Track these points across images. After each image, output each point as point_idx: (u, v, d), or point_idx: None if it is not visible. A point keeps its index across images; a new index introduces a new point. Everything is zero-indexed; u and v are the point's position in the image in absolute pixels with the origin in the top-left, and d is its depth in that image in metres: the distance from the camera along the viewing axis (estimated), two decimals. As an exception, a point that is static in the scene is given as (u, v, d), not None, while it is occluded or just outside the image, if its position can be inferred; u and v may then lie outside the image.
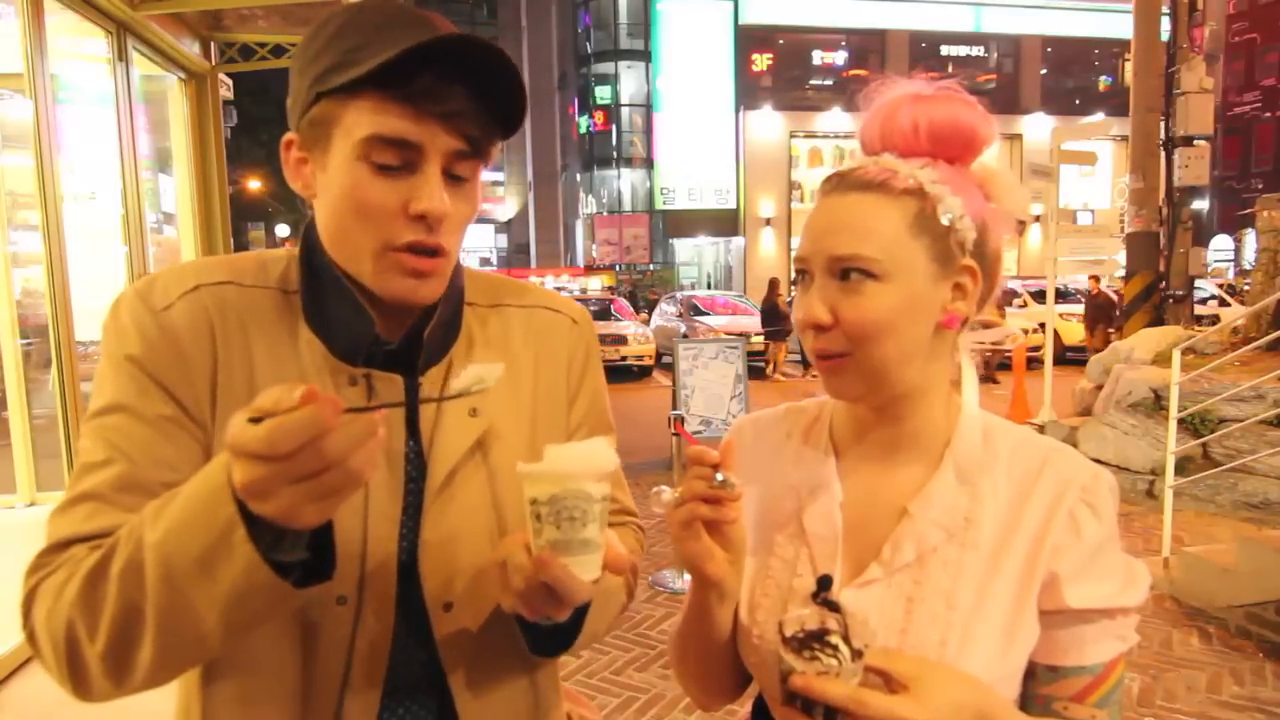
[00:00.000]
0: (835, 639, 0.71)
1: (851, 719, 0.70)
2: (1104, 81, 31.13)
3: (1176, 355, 4.69)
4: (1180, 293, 9.08)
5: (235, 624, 0.68)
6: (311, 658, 0.81)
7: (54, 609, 0.71)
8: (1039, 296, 13.64)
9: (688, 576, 0.86)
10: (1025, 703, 0.85)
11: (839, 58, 28.93)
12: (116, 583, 0.67)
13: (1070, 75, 30.94)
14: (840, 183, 0.84)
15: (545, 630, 0.84)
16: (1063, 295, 13.59)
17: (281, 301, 0.86)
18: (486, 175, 0.89)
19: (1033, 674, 0.84)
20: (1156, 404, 6.32)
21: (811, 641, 0.71)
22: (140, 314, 0.81)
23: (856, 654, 0.71)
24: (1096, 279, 12.30)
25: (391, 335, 0.87)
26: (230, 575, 0.64)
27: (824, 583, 0.79)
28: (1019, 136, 28.96)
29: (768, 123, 27.49)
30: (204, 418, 0.81)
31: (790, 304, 15.19)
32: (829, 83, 28.66)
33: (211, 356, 0.81)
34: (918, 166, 0.83)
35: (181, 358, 0.80)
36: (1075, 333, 13.70)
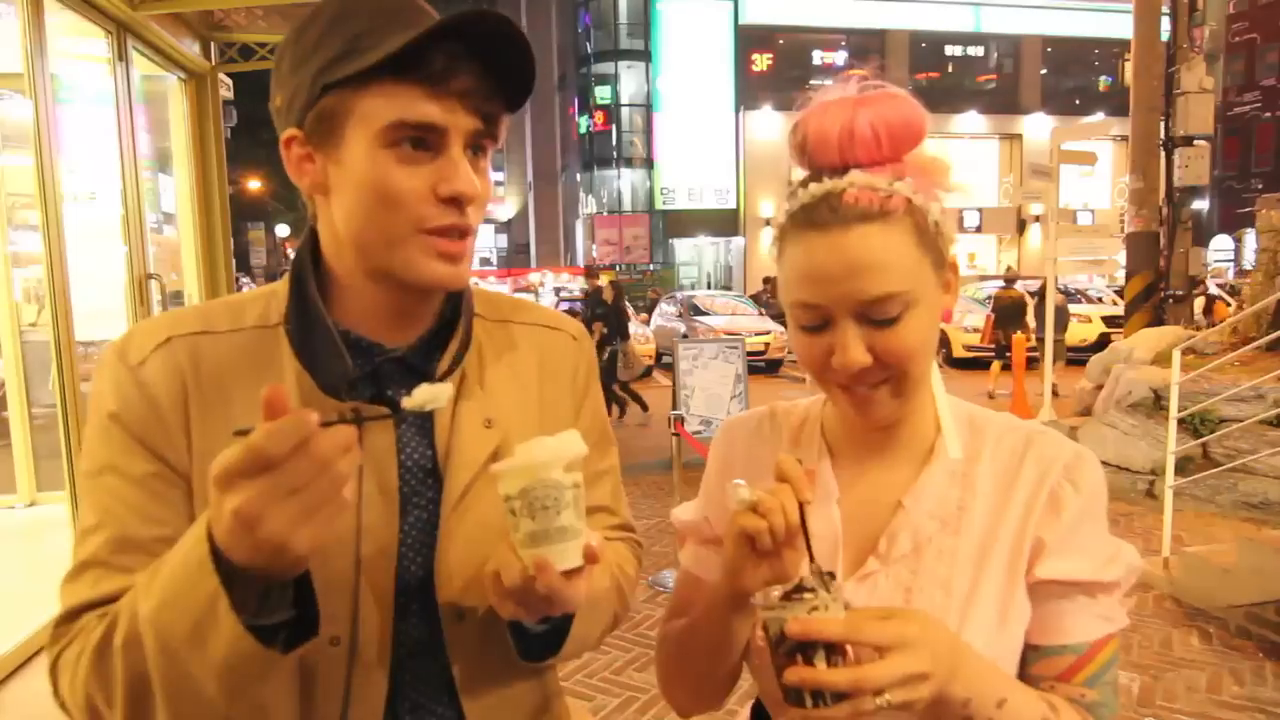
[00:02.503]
0: (809, 583, 0.72)
1: (850, 651, 0.70)
2: (1104, 81, 31.13)
3: (1176, 355, 4.69)
4: (1180, 293, 9.09)
5: (234, 689, 0.68)
6: (309, 700, 0.81)
7: (73, 682, 0.73)
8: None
9: None
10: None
11: (839, 58, 28.92)
12: (121, 655, 0.68)
13: (1070, 75, 30.94)
14: (834, 215, 0.79)
15: (535, 636, 0.84)
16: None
17: (262, 340, 0.84)
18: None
19: (1023, 656, 0.85)
20: (1156, 404, 6.32)
21: (790, 595, 0.72)
22: (118, 372, 0.80)
23: (829, 577, 0.72)
24: (1013, 279, 11.78)
25: (400, 342, 0.86)
26: (220, 646, 0.65)
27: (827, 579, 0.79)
28: (1019, 136, 28.98)
29: (768, 123, 27.48)
30: (186, 470, 0.80)
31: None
32: (829, 83, 28.57)
33: (184, 412, 0.80)
34: (889, 178, 0.80)
35: (158, 413, 0.79)
36: (1078, 332, 13.66)
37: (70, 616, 0.76)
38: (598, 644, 0.94)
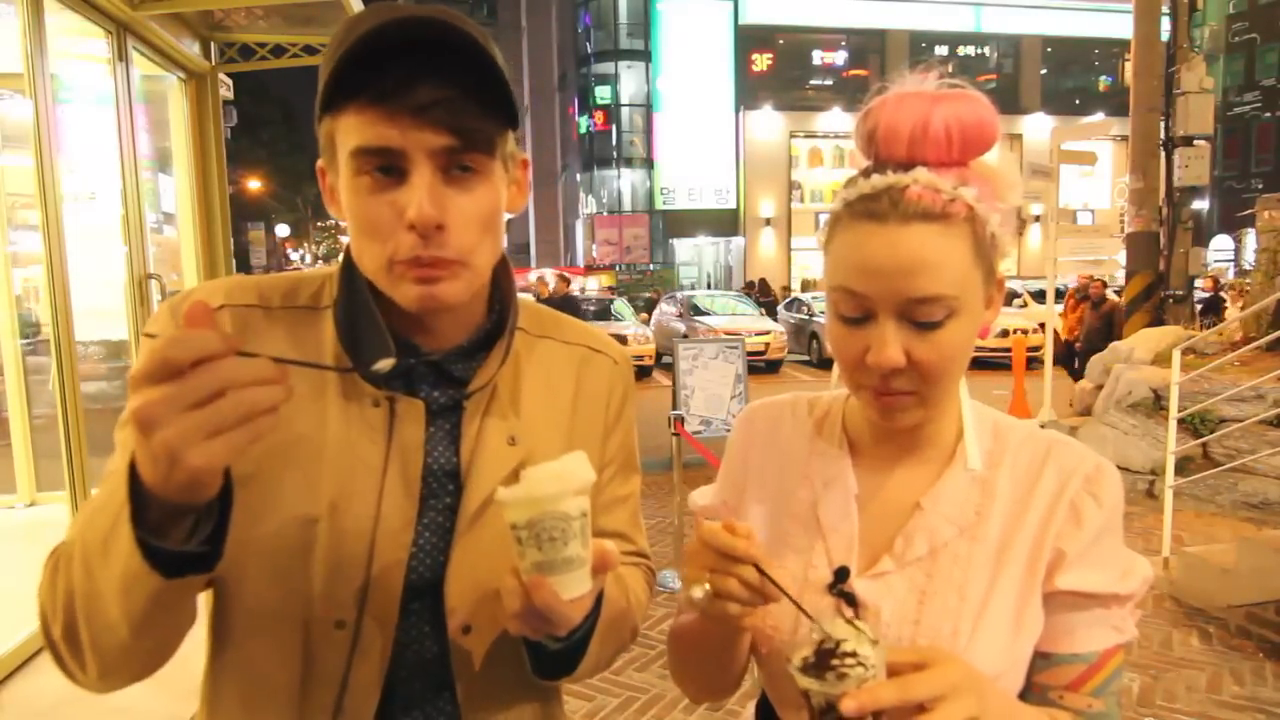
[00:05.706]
0: (847, 646, 0.69)
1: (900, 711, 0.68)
2: (1104, 81, 31.16)
3: (1176, 355, 4.69)
4: (1180, 293, 9.09)
5: (132, 613, 0.66)
6: (308, 681, 0.81)
7: (39, 591, 0.74)
8: (1038, 296, 13.64)
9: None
10: (1023, 692, 0.85)
11: (839, 58, 28.94)
12: (64, 568, 0.71)
13: (1070, 75, 30.97)
14: (894, 209, 0.77)
15: (549, 654, 0.83)
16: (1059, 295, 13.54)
17: (310, 320, 0.85)
18: None
19: (1031, 663, 0.85)
20: (1156, 404, 6.33)
21: (828, 660, 0.68)
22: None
23: (871, 643, 0.69)
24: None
25: (436, 347, 0.86)
26: (119, 560, 0.64)
27: (841, 574, 0.79)
28: (1019, 136, 28.96)
29: (768, 123, 27.49)
30: None
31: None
32: (829, 83, 28.64)
33: None
34: (954, 181, 0.78)
35: None
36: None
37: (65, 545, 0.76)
38: (609, 665, 0.94)
